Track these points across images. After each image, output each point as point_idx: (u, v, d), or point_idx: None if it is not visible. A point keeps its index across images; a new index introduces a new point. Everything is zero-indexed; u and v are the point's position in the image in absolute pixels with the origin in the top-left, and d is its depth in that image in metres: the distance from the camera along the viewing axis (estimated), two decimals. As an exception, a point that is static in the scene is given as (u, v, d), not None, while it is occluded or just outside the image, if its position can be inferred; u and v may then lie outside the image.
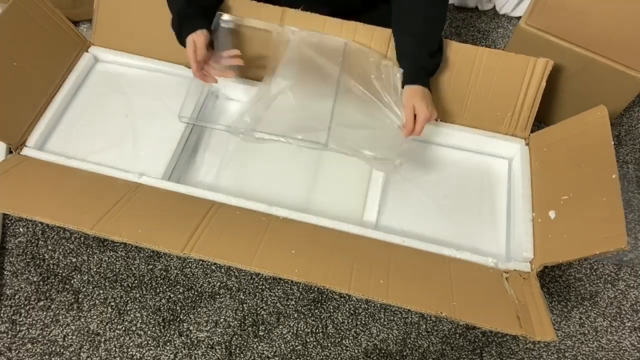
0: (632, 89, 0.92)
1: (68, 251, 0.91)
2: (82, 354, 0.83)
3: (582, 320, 0.91)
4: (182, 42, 0.82)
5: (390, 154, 0.79)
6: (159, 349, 0.84)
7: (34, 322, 0.85)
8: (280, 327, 0.87)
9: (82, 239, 0.93)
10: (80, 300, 0.87)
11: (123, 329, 0.85)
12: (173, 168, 0.86)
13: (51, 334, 0.84)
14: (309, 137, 0.79)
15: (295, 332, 0.86)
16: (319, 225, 0.77)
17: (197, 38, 0.79)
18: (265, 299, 0.89)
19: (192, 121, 0.86)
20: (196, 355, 0.84)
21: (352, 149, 0.80)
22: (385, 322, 0.88)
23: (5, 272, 0.89)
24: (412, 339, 0.87)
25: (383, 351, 0.86)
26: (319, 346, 0.85)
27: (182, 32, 0.82)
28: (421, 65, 0.83)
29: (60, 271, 0.90)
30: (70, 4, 0.98)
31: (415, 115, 0.79)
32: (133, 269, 0.90)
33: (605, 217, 0.67)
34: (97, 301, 0.87)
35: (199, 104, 0.91)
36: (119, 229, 0.69)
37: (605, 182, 0.69)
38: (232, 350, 0.84)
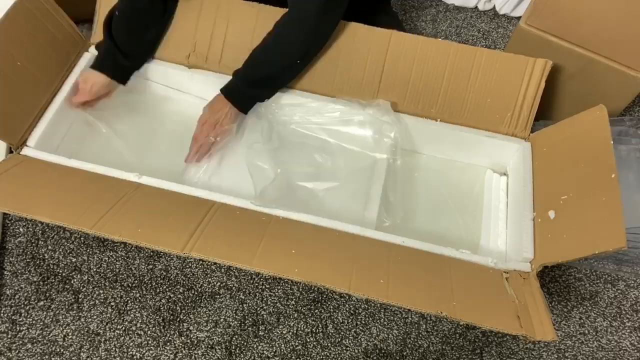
0: (632, 89, 0.92)
1: (68, 251, 0.91)
2: (82, 354, 0.83)
3: (582, 320, 0.91)
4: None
5: None
6: (159, 349, 0.84)
7: (34, 322, 0.85)
8: (280, 327, 0.87)
9: (82, 239, 0.93)
10: (80, 300, 0.87)
11: (123, 329, 0.85)
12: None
13: (51, 334, 0.84)
14: None
15: (295, 332, 0.86)
16: (319, 225, 0.77)
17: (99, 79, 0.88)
18: (265, 299, 0.89)
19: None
20: (196, 355, 0.84)
21: None
22: (385, 322, 0.88)
23: (5, 272, 0.89)
24: (412, 339, 0.87)
25: (383, 351, 0.86)
26: (319, 346, 0.85)
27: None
28: (240, 82, 0.87)
29: (60, 271, 0.90)
30: (70, 4, 0.98)
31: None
32: (133, 269, 0.90)
33: (605, 216, 0.67)
34: (97, 301, 0.87)
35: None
36: (119, 228, 0.69)
37: (604, 182, 0.69)
38: (232, 350, 0.84)
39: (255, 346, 0.85)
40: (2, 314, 0.85)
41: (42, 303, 0.87)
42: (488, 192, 0.93)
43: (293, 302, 0.89)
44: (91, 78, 0.88)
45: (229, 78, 0.88)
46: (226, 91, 0.87)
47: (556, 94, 1.00)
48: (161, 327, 0.86)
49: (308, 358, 0.85)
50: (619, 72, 0.90)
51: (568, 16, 0.88)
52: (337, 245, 0.74)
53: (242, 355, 0.84)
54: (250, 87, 0.87)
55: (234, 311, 0.87)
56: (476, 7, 1.34)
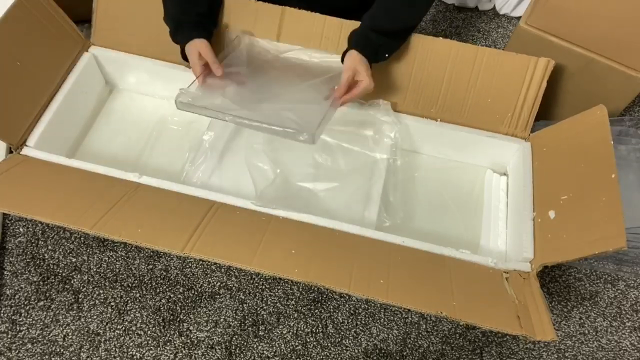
0: (632, 89, 0.92)
1: (68, 251, 0.91)
2: (82, 354, 0.83)
3: (582, 320, 0.91)
4: (177, 42, 0.85)
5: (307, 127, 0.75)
6: (159, 349, 0.84)
7: (34, 322, 0.85)
8: (280, 327, 0.87)
9: (82, 239, 0.93)
10: (80, 300, 0.87)
11: (123, 329, 0.85)
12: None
13: (51, 334, 0.84)
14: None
15: (295, 332, 0.86)
16: (319, 225, 0.77)
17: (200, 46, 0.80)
18: (265, 299, 0.89)
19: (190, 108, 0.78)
20: (196, 355, 0.84)
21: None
22: (385, 322, 0.88)
23: (5, 272, 0.89)
24: (412, 339, 0.87)
25: (383, 351, 0.86)
26: (319, 346, 0.85)
27: (178, 38, 0.84)
28: (373, 35, 0.80)
29: (60, 271, 0.90)
30: (70, 4, 0.98)
31: (355, 81, 0.78)
32: (133, 269, 0.90)
33: (605, 217, 0.67)
34: (97, 301, 0.87)
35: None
36: (119, 229, 0.69)
37: (604, 182, 0.69)
38: (232, 350, 0.84)
39: (255, 346, 0.85)
40: (2, 314, 0.85)
41: (42, 303, 0.87)
42: (488, 192, 0.93)
43: (293, 302, 0.89)
44: (193, 49, 0.82)
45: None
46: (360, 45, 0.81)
47: (556, 94, 1.00)
48: (161, 327, 0.86)
49: (308, 358, 0.85)
50: (619, 72, 0.90)
51: (568, 16, 0.88)
52: (337, 246, 0.74)
53: (242, 355, 0.84)
54: (384, 35, 0.82)
55: (234, 311, 0.87)
56: (476, 7, 1.34)
